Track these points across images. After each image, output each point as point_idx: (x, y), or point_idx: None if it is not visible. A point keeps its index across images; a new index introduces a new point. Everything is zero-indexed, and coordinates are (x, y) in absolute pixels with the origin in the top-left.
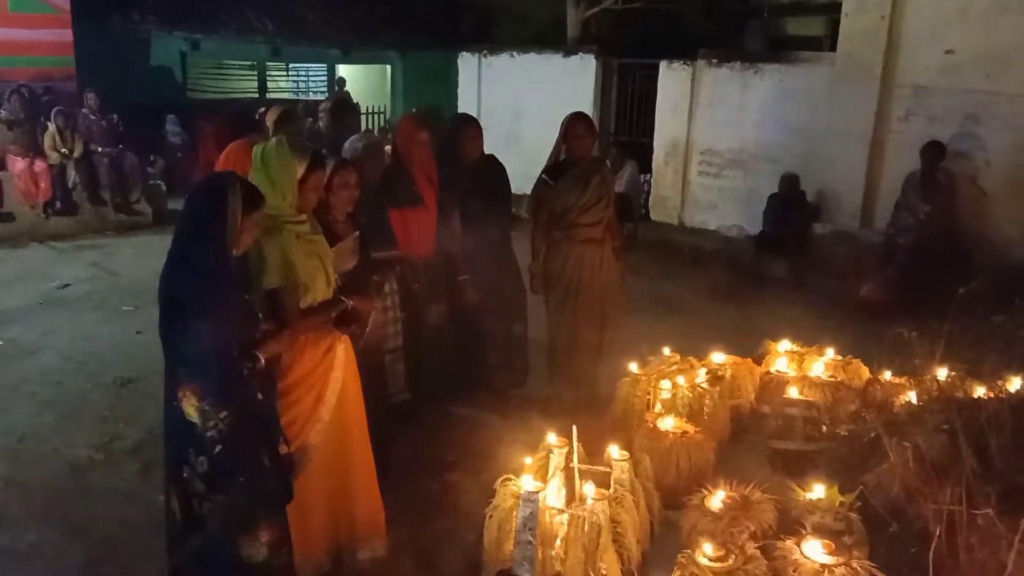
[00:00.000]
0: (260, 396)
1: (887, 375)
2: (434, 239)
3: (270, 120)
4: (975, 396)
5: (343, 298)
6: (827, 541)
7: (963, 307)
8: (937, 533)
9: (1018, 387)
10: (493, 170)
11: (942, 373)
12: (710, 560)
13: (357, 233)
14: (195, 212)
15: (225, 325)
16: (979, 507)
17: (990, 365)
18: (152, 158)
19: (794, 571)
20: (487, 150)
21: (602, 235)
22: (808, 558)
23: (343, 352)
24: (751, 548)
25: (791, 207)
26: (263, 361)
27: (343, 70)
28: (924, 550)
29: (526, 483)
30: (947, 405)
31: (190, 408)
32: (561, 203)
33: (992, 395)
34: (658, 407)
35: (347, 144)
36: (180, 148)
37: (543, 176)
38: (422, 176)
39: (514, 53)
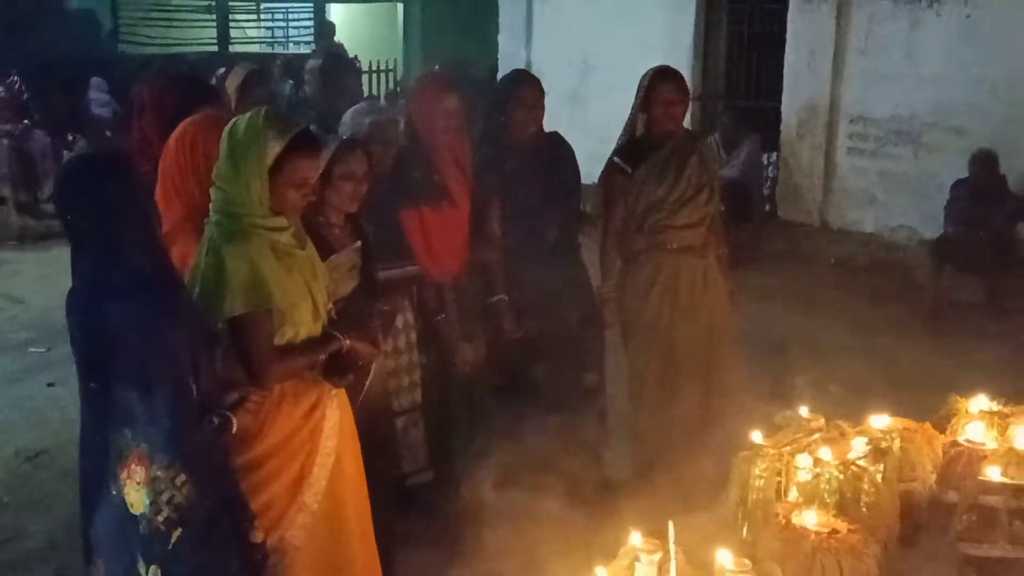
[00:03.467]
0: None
1: None
2: (466, 250)
3: (232, 85)
4: None
5: (337, 334)
6: None
7: None
8: None
9: None
10: (557, 153)
11: None
12: None
13: (359, 244)
14: (101, 206)
15: (185, 353)
16: None
17: None
18: (70, 138)
19: None
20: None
21: (704, 241)
22: None
23: (336, 412)
24: None
25: (988, 199)
26: (235, 426)
27: (335, 12)
28: None
29: None
30: None
31: (135, 491)
32: (645, 198)
33: None
34: (793, 494)
35: (346, 118)
36: (109, 123)
37: (616, 160)
38: (449, 161)
39: None
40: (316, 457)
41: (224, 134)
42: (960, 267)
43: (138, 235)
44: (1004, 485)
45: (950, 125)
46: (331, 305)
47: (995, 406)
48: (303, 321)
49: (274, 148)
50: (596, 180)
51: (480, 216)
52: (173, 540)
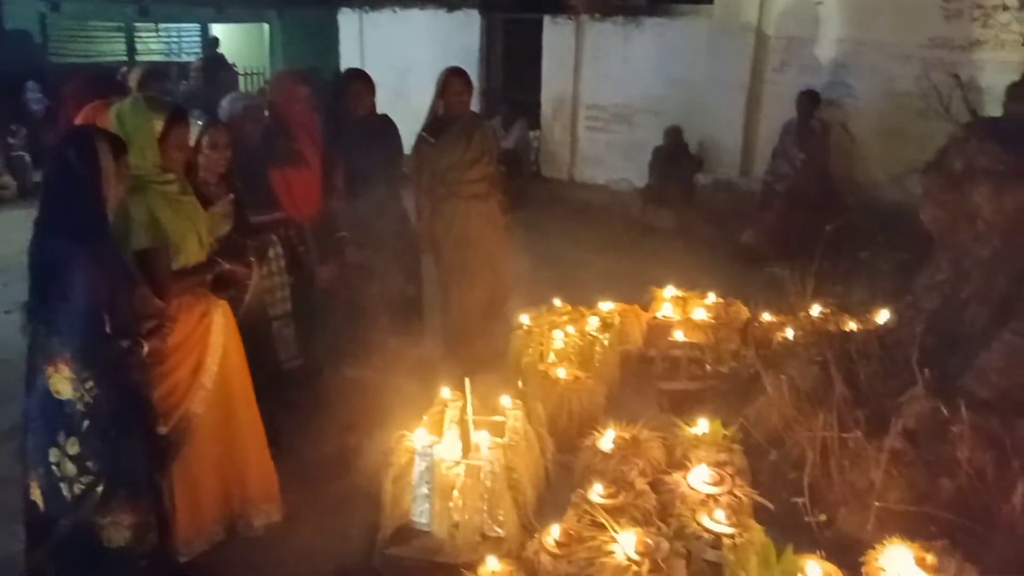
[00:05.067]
0: (134, 375)
1: (765, 315)
2: (319, 199)
3: (133, 80)
4: (845, 329)
5: (218, 260)
6: (711, 472)
7: (832, 246)
8: (811, 458)
9: (884, 319)
10: (384, 128)
11: (816, 310)
12: (602, 497)
13: (232, 196)
14: (64, 166)
15: (102, 286)
16: (849, 431)
17: (858, 299)
18: (13, 128)
19: (681, 502)
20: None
21: (487, 191)
22: (694, 489)
23: (221, 317)
24: (641, 484)
25: (675, 159)
26: (146, 350)
27: (217, 29)
28: (801, 474)
29: (420, 438)
30: (820, 339)
31: (61, 382)
32: (444, 160)
33: (860, 327)
34: (551, 357)
35: (223, 103)
36: (43, 116)
37: (423, 134)
38: (304, 134)
39: (396, 8)
40: (208, 350)
41: (112, 117)
42: (658, 205)
43: (83, 191)
44: (684, 343)
45: (651, 109)
46: (213, 242)
47: (679, 293)
48: (191, 251)
49: (159, 123)
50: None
51: (328, 174)
52: (85, 426)
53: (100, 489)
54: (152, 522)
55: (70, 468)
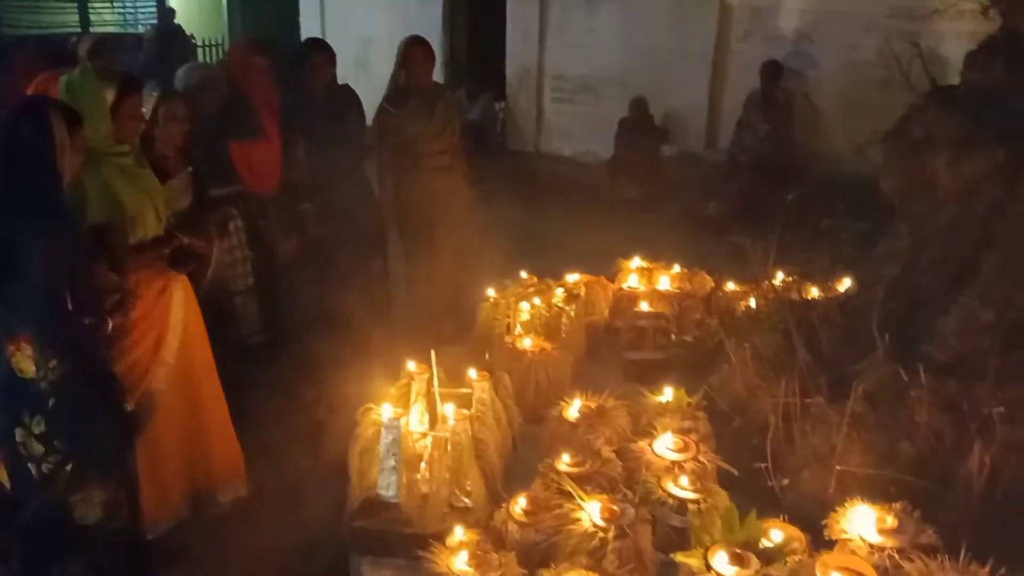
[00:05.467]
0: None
1: (729, 284)
2: (279, 172)
3: (83, 50)
4: (808, 297)
5: (176, 234)
6: (676, 439)
7: (795, 215)
8: (774, 423)
9: (846, 286)
10: (346, 99)
11: (779, 278)
12: (569, 466)
13: (190, 169)
14: (16, 138)
15: (61, 262)
16: (811, 397)
17: (820, 266)
18: None
19: (647, 469)
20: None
21: (450, 163)
22: (659, 456)
23: (181, 292)
24: (607, 452)
25: (640, 131)
26: (110, 325)
27: (174, 0)
28: (764, 439)
29: (386, 411)
30: (782, 307)
31: (24, 361)
32: (406, 132)
33: (822, 295)
34: (517, 329)
35: (179, 74)
36: None
37: (385, 104)
38: (263, 106)
39: None
40: (168, 326)
41: (62, 88)
42: (624, 177)
43: (37, 164)
44: (649, 313)
45: (616, 81)
46: (171, 216)
47: (644, 264)
48: (148, 224)
49: (110, 94)
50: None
51: (288, 147)
52: (51, 404)
53: (69, 468)
54: (123, 498)
55: (37, 448)
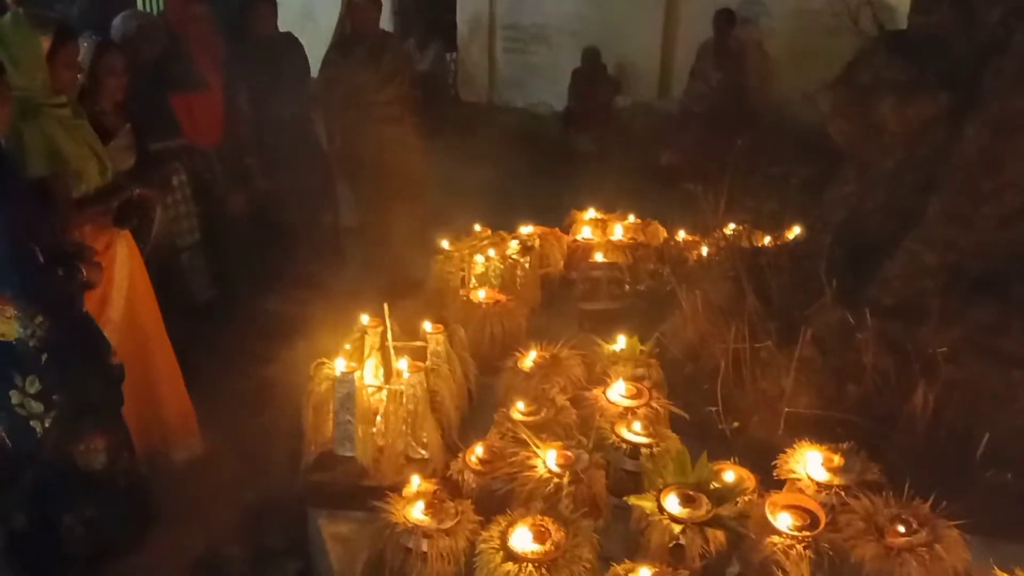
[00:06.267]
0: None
1: (681, 233)
2: (223, 125)
3: None
4: (758, 244)
5: (123, 185)
6: (629, 386)
7: (746, 163)
8: (725, 368)
9: (795, 233)
10: (288, 47)
11: (730, 226)
12: (524, 415)
13: (129, 126)
14: None
15: (16, 217)
16: (761, 342)
17: (769, 213)
18: None
19: (600, 416)
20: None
21: (400, 113)
22: (613, 403)
23: (125, 249)
24: (561, 400)
25: (593, 82)
26: (85, 275)
27: None
28: (715, 385)
29: (339, 365)
30: (733, 255)
31: (6, 324)
32: (353, 81)
33: (772, 242)
34: (472, 281)
35: (116, 22)
36: None
37: (330, 54)
38: (204, 56)
39: None
40: (113, 283)
41: None
42: (578, 128)
43: None
44: (604, 263)
45: (569, 30)
46: (118, 174)
47: (598, 215)
48: (92, 177)
49: (45, 42)
50: None
51: (231, 98)
52: (43, 360)
53: (71, 419)
54: (123, 441)
55: (35, 406)
